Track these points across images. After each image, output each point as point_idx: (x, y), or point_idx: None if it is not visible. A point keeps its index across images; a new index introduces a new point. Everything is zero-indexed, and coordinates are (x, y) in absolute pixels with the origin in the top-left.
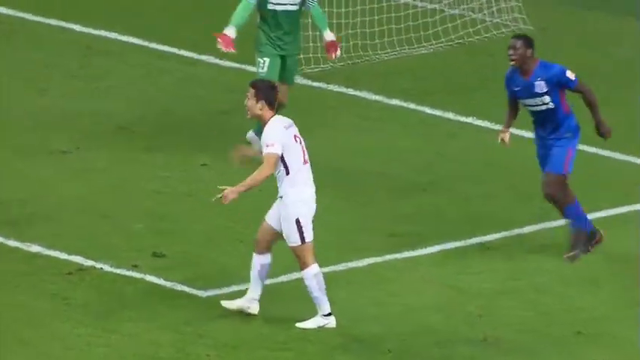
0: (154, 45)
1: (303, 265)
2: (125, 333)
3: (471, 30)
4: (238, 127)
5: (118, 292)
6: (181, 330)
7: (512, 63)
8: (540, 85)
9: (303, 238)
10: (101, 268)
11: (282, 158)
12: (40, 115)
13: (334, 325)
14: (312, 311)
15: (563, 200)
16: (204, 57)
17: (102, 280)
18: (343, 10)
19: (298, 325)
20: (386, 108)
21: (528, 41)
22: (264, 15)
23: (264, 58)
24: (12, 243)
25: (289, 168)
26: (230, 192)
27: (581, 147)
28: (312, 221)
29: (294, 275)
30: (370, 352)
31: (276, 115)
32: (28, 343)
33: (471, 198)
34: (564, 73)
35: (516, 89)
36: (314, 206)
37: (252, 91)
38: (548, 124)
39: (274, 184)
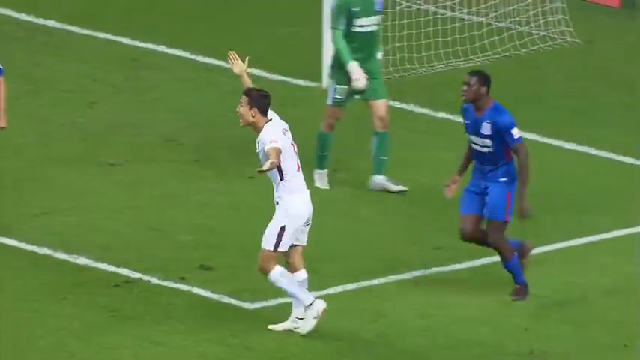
0: (200, 58)
1: (264, 271)
2: (172, 345)
3: (517, 43)
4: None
5: (166, 305)
6: (228, 342)
7: (464, 98)
8: (486, 127)
9: (276, 246)
10: (148, 281)
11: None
12: (88, 127)
13: (324, 306)
14: (360, 323)
15: (506, 247)
16: (251, 70)
17: (149, 293)
18: (390, 23)
19: (301, 332)
20: (432, 121)
21: (484, 78)
22: (348, 39)
23: (343, 86)
24: (60, 255)
25: (284, 173)
26: (266, 165)
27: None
28: (308, 224)
29: (342, 288)
30: None
31: (270, 121)
32: (76, 354)
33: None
34: (510, 127)
35: (466, 122)
36: (309, 211)
37: (245, 98)
38: (486, 165)
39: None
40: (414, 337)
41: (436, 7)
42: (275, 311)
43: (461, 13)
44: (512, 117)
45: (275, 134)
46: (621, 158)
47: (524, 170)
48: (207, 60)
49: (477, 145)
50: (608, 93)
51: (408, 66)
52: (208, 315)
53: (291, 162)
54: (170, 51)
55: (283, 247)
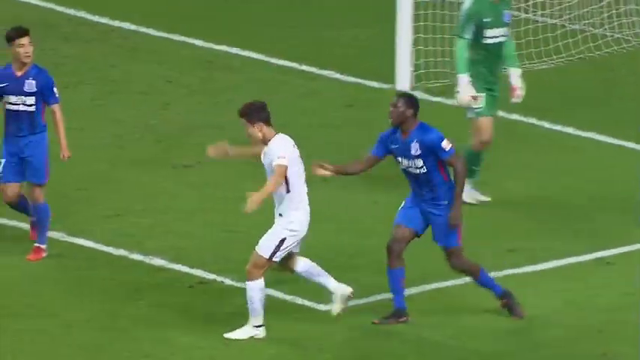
0: (274, 60)
1: (251, 276)
2: (245, 346)
3: (591, 45)
4: (356, 141)
5: (239, 306)
6: (302, 344)
7: (390, 120)
8: (415, 147)
9: (272, 256)
10: (222, 282)
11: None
12: (162, 129)
13: (264, 335)
14: (433, 323)
15: (470, 267)
16: (324, 72)
17: (223, 294)
18: None
19: (227, 335)
20: (506, 123)
21: (411, 101)
22: (475, 50)
23: (480, 94)
24: (135, 256)
25: (290, 186)
26: (251, 202)
27: None
28: (304, 239)
29: (426, 287)
30: None
31: (280, 133)
32: (151, 355)
33: (589, 212)
34: (439, 141)
35: (394, 147)
36: (308, 225)
37: (243, 120)
38: (424, 188)
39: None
40: (485, 339)
41: (510, 9)
42: (349, 313)
43: (535, 15)
44: (439, 132)
45: (285, 149)
46: None
47: (460, 180)
48: (280, 62)
49: (410, 168)
50: None
51: None
52: (282, 316)
53: (297, 176)
54: (244, 53)
55: (278, 258)
